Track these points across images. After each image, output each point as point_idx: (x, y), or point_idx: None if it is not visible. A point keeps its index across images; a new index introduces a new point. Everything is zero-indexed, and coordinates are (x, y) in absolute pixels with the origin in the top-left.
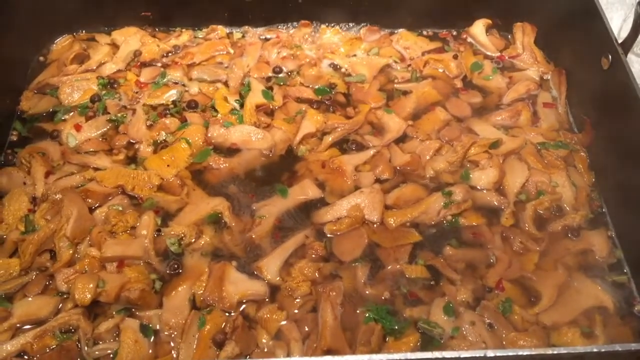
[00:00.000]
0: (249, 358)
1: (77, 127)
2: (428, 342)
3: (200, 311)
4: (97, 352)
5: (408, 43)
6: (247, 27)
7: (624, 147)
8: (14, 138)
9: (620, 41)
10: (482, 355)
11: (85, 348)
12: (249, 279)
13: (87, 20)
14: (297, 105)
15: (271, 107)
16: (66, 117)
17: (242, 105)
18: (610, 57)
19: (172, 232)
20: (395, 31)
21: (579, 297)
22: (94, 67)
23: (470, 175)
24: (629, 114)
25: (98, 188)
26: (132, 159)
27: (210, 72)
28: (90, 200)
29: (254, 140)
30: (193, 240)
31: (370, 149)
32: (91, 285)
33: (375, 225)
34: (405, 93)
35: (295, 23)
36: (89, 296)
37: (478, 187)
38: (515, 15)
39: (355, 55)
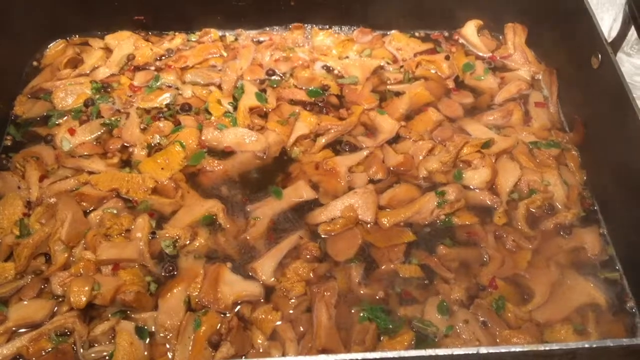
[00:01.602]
0: (245, 358)
1: (71, 131)
2: (422, 340)
3: (196, 313)
4: (92, 355)
5: (400, 44)
6: (240, 30)
7: (615, 145)
8: (8, 143)
9: (610, 40)
10: (475, 352)
11: (81, 350)
12: (243, 280)
13: (81, 25)
14: (291, 107)
15: (265, 109)
16: (60, 121)
17: (235, 108)
18: (600, 56)
19: (167, 235)
20: (388, 33)
21: (572, 294)
22: (88, 72)
23: (463, 175)
24: (619, 113)
25: (92, 191)
26: (127, 163)
27: (204, 75)
28: (84, 204)
29: (247, 142)
30: (188, 242)
31: (363, 150)
32: (86, 288)
33: (369, 226)
34: (398, 94)
35: (287, 25)
36: (84, 299)
37: (471, 187)
38: (506, 16)
39: (347, 57)
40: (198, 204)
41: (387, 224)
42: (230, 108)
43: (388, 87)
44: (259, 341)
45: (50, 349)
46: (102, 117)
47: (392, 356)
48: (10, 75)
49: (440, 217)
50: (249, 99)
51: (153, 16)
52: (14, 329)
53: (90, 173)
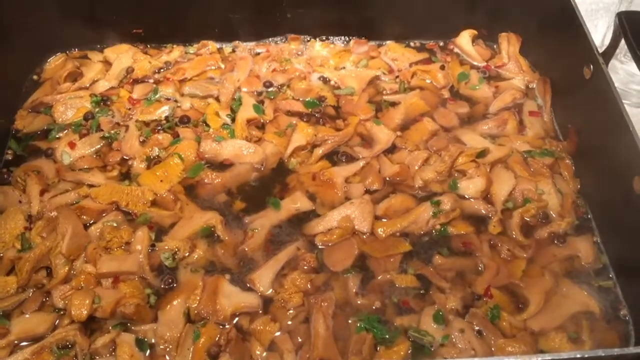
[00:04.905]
0: None
1: (71, 145)
2: (418, 350)
3: (195, 324)
4: None
5: (396, 55)
6: (237, 42)
7: (608, 154)
8: (9, 157)
9: (602, 50)
10: None
11: None
12: (242, 291)
13: (80, 39)
14: (288, 118)
15: (262, 121)
16: (60, 135)
17: (233, 120)
18: (592, 67)
19: (166, 247)
20: (383, 43)
21: (566, 302)
22: (87, 85)
23: (458, 185)
24: (611, 122)
25: (92, 205)
26: (126, 175)
27: (202, 88)
28: (85, 217)
29: (245, 154)
30: (187, 254)
31: (360, 161)
32: (87, 301)
33: (365, 236)
34: (394, 104)
35: (284, 37)
36: (85, 312)
37: (466, 196)
38: (500, 26)
39: (344, 68)
40: (197, 216)
41: (383, 234)
42: (228, 120)
43: (384, 97)
44: (258, 352)
45: None
46: (102, 130)
47: None
48: (10, 90)
49: (436, 226)
50: (246, 111)
51: (151, 29)
52: (16, 342)
53: (90, 186)
